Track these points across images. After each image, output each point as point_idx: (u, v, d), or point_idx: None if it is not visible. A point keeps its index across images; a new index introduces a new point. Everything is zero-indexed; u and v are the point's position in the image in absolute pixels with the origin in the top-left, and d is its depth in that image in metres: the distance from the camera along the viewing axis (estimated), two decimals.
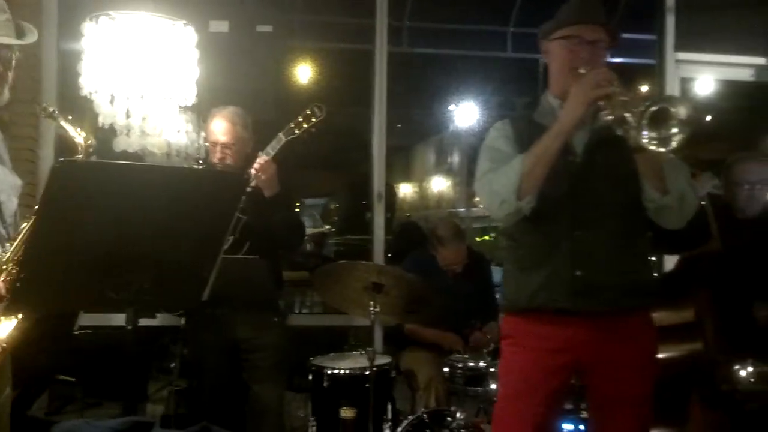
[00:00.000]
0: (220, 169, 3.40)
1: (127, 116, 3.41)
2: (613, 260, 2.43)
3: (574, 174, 2.43)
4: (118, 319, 2.31)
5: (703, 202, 3.54)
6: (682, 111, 2.06)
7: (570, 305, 2.40)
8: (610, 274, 2.42)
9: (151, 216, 2.08)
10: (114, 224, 2.08)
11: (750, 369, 3.53)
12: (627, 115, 2.13)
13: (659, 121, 2.07)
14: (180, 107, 3.73)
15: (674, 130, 2.07)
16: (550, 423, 2.56)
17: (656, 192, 2.35)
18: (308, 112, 3.43)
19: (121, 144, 3.48)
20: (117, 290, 2.15)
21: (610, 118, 2.24)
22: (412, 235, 7.34)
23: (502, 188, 2.38)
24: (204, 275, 2.24)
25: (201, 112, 4.10)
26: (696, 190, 2.45)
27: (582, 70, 2.38)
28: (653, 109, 2.06)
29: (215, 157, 3.54)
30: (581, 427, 3.27)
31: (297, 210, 5.01)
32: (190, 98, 3.55)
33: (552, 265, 2.43)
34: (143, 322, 2.54)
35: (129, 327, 2.21)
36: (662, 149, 2.09)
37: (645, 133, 2.06)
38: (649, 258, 2.58)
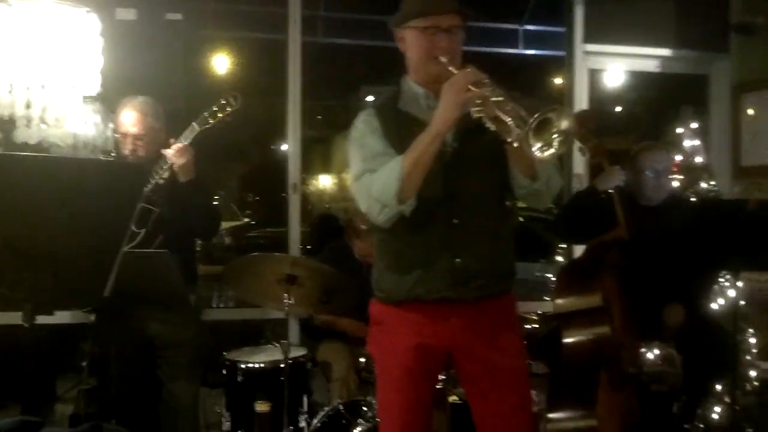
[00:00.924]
0: (120, 160, 3.32)
1: (27, 107, 3.27)
2: (486, 247, 2.49)
3: (446, 164, 2.46)
4: (18, 318, 2.22)
5: (610, 191, 3.65)
6: (564, 123, 2.13)
7: (451, 294, 2.45)
8: (484, 260, 2.48)
9: (46, 209, 2.00)
10: (6, 218, 1.99)
11: (656, 351, 3.66)
12: (508, 120, 2.17)
13: (542, 128, 2.13)
14: (86, 98, 3.61)
15: (555, 137, 2.13)
16: (428, 406, 2.60)
17: (526, 179, 2.42)
18: (223, 102, 3.36)
19: (20, 136, 3.33)
20: (11, 287, 2.07)
21: (480, 116, 2.27)
22: (331, 227, 7.31)
23: (382, 195, 2.37)
24: (104, 270, 2.16)
25: (109, 103, 3.98)
26: (559, 170, 2.52)
27: (443, 59, 2.41)
28: (540, 119, 2.12)
29: (126, 149, 3.46)
30: None
31: (215, 201, 4.93)
32: (95, 88, 3.44)
33: (432, 256, 2.46)
34: (49, 320, 2.46)
35: (26, 325, 2.13)
36: (545, 154, 2.14)
37: (532, 141, 2.12)
38: (512, 242, 2.65)
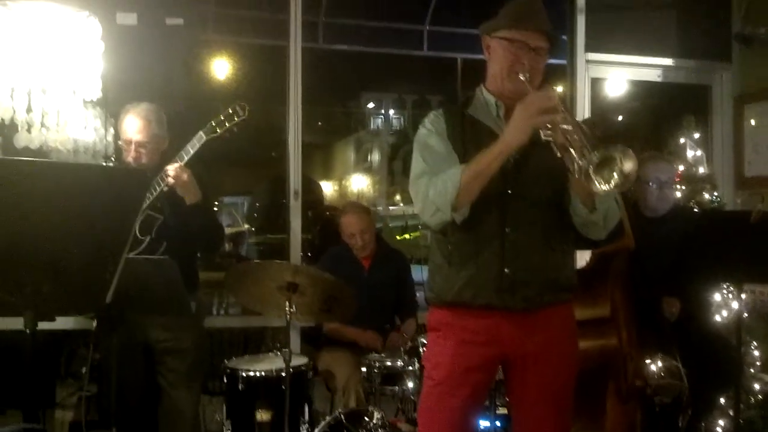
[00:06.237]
0: (122, 166, 3.30)
1: (28, 111, 3.25)
2: (539, 258, 2.47)
3: (506, 174, 2.45)
4: (18, 323, 2.19)
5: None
6: (627, 164, 2.11)
7: (496, 301, 2.44)
8: (535, 271, 2.46)
9: (48, 214, 1.96)
10: (8, 223, 1.96)
11: (659, 364, 3.63)
12: (573, 151, 2.17)
13: (604, 164, 2.11)
14: (86, 102, 3.59)
15: (614, 174, 2.11)
16: (474, 416, 2.58)
17: (585, 208, 2.40)
18: (230, 111, 3.35)
19: (22, 140, 3.31)
20: (12, 292, 2.03)
21: (549, 140, 2.27)
22: (334, 233, 7.27)
23: (438, 198, 2.38)
24: (106, 276, 2.13)
25: (109, 108, 3.96)
26: (619, 204, 2.50)
27: (522, 77, 2.41)
28: (604, 156, 2.09)
29: (129, 156, 3.44)
30: (498, 423, 3.29)
31: (215, 209, 4.90)
32: (95, 92, 3.42)
33: (481, 261, 2.46)
34: (50, 325, 2.42)
35: (28, 331, 2.09)
36: (602, 188, 2.12)
37: (592, 175, 2.09)
38: (571, 253, 2.62)
